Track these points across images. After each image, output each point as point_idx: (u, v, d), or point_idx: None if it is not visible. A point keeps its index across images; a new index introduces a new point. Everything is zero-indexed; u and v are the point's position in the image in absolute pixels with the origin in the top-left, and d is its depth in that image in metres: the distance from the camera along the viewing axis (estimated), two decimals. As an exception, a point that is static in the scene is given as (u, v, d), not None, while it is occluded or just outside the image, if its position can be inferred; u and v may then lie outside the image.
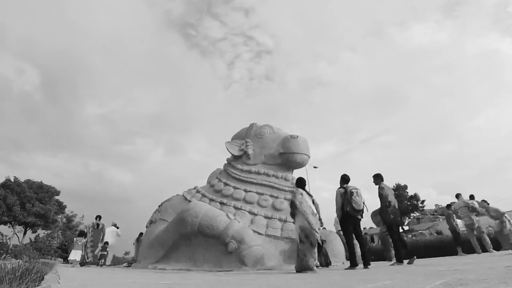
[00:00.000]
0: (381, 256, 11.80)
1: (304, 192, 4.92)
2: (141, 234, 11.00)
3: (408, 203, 33.62)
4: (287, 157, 7.60)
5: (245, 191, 7.27)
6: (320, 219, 5.34)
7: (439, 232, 13.61)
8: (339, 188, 5.35)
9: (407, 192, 34.18)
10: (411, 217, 36.63)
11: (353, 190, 5.08)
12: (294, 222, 4.98)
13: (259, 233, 6.33)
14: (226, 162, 8.64)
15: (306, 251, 4.53)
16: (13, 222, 29.50)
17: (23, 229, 31.05)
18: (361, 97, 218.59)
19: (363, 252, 5.14)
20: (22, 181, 30.70)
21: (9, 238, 29.42)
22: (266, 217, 6.71)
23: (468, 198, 9.18)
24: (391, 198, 5.72)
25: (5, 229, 29.85)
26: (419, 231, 26.31)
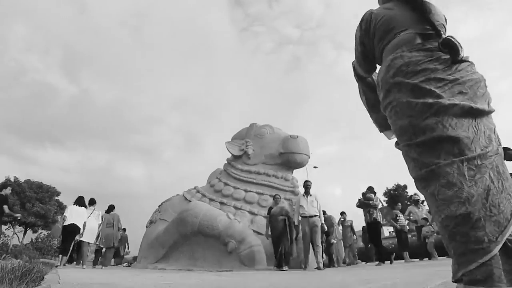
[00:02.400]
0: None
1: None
2: None
3: (408, 203, 33.75)
4: (287, 157, 7.60)
5: (245, 191, 7.27)
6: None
7: (438, 232, 13.61)
8: None
9: (407, 192, 34.23)
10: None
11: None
12: None
13: (259, 233, 6.34)
14: (226, 162, 8.65)
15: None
16: (13, 222, 29.50)
17: (23, 229, 31.06)
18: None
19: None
20: (22, 181, 30.72)
21: (10, 239, 29.43)
22: (266, 217, 6.71)
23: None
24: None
25: (5, 229, 29.87)
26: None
